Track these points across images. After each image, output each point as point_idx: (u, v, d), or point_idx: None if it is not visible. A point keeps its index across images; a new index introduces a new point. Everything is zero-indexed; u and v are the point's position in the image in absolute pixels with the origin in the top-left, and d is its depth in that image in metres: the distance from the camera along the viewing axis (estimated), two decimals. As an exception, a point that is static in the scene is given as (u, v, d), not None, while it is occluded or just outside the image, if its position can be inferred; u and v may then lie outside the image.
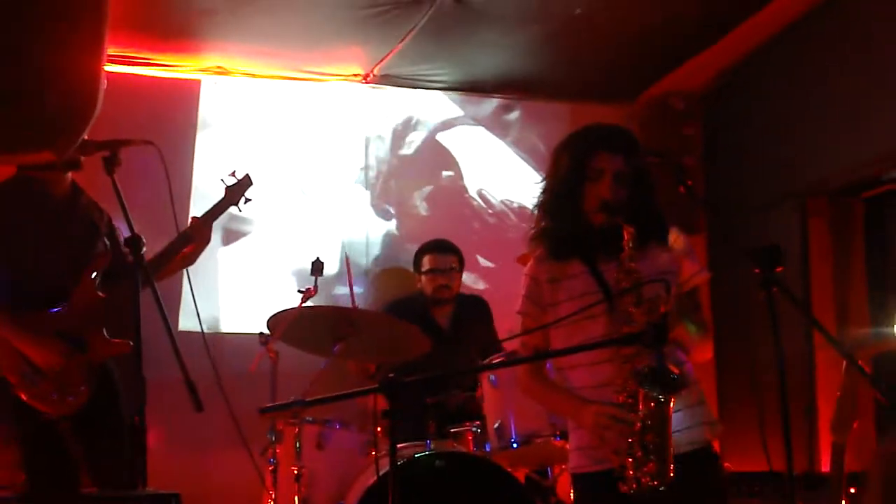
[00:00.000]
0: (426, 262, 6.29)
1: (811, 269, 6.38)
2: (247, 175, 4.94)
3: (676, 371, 3.14)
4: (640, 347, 3.18)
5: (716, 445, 3.62)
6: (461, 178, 7.56)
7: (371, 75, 7.17)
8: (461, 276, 6.40)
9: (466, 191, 7.53)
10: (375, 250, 7.25)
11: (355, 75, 7.19)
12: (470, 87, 7.48)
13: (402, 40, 6.61)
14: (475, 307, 6.37)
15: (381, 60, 6.94)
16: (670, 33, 6.62)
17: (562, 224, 3.52)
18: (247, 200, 4.95)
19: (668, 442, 3.19)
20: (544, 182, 3.64)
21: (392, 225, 7.36)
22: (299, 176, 7.10)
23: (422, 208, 7.45)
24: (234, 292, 6.83)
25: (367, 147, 7.31)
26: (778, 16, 6.39)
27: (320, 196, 7.14)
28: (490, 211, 7.54)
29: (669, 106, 7.31)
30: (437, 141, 7.54)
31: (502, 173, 7.59)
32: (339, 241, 7.10)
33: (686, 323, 3.45)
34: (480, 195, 7.56)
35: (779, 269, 3.16)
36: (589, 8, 6.27)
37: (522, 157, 7.60)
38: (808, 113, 6.36)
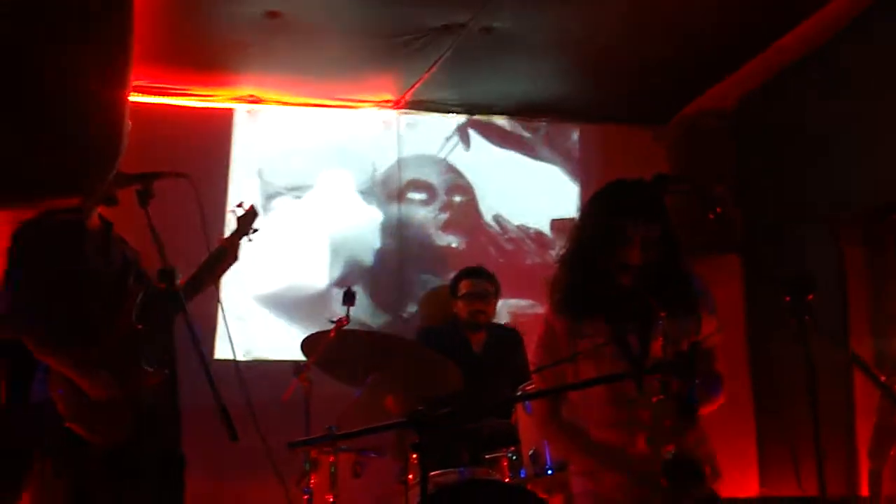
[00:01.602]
0: (463, 287, 6.31)
1: (848, 286, 6.33)
2: (252, 206, 5.00)
3: (705, 467, 3.14)
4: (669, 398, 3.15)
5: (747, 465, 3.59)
6: (475, 202, 7.67)
7: (402, 101, 7.20)
8: (496, 303, 6.40)
9: (482, 216, 7.63)
10: (407, 275, 7.29)
11: (386, 101, 7.22)
12: (500, 112, 7.51)
13: (432, 67, 6.65)
14: (509, 337, 6.37)
15: (412, 87, 6.98)
16: (702, 54, 6.60)
17: (585, 282, 3.48)
18: (254, 231, 4.99)
19: None
20: (570, 238, 3.62)
21: (422, 248, 7.44)
22: (330, 201, 7.12)
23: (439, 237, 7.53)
24: (268, 320, 6.86)
25: (399, 171, 7.32)
26: (810, 35, 6.36)
27: (352, 221, 7.16)
28: (506, 237, 7.62)
29: (701, 126, 7.28)
30: (457, 167, 7.64)
31: (521, 197, 7.65)
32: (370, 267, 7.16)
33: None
34: (497, 220, 7.65)
35: (810, 297, 3.14)
36: (617, 33, 6.27)
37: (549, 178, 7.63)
38: (841, 131, 6.32)
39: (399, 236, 7.41)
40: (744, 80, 6.98)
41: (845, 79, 6.30)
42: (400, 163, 7.40)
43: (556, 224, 7.62)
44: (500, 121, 7.60)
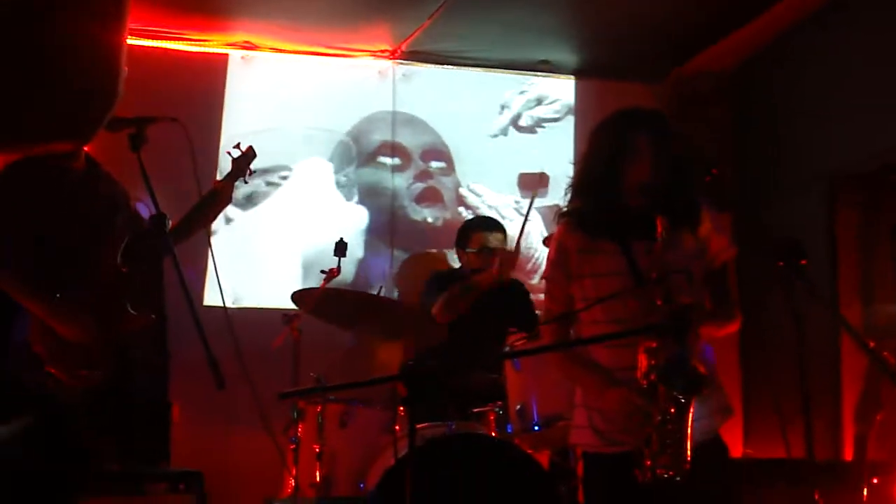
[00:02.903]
0: (474, 241, 6.01)
1: (838, 251, 6.33)
2: (250, 147, 4.93)
3: (702, 370, 3.14)
4: (662, 341, 3.17)
5: (732, 427, 3.60)
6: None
7: (399, 51, 7.16)
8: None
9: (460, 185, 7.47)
10: (399, 227, 7.23)
11: (383, 51, 7.18)
12: (497, 65, 7.45)
13: (431, 17, 6.59)
14: (510, 288, 6.04)
15: (409, 37, 6.93)
16: (700, 13, 6.57)
17: (597, 203, 3.48)
18: (251, 173, 4.93)
19: (686, 436, 3.19)
20: (580, 162, 3.61)
21: (416, 205, 7.34)
22: (323, 151, 7.09)
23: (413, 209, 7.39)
24: (259, 267, 6.84)
25: (393, 124, 7.28)
26: (809, -2, 6.34)
27: (345, 171, 7.14)
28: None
29: (698, 88, 7.26)
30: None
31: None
32: (364, 219, 7.11)
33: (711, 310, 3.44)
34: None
35: (802, 262, 3.13)
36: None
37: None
38: (837, 96, 6.30)
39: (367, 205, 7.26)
40: (743, 42, 6.95)
41: (845, 42, 6.27)
42: (371, 119, 7.31)
43: (524, 178, 7.49)
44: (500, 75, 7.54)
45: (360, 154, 7.28)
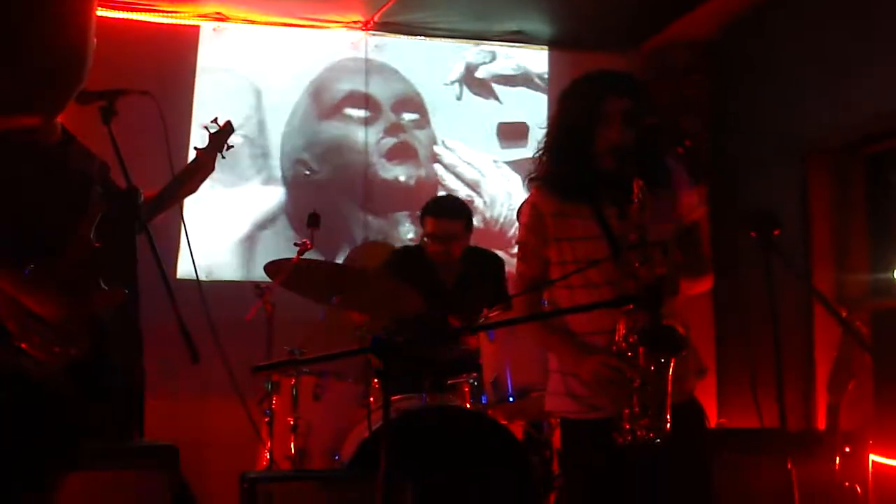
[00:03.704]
0: (427, 225, 5.90)
1: (812, 223, 6.35)
2: (228, 122, 4.88)
3: (681, 330, 3.15)
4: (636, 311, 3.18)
5: (704, 397, 3.62)
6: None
7: (371, 22, 7.11)
8: (468, 238, 5.98)
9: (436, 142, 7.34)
10: (373, 201, 7.19)
11: (355, 22, 7.13)
12: (470, 36, 7.42)
13: (404, -13, 6.56)
14: (485, 264, 6.04)
15: (382, 7, 6.88)
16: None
17: (569, 167, 3.48)
18: (228, 147, 4.89)
19: (667, 397, 3.21)
20: (551, 125, 3.62)
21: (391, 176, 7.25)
22: (297, 122, 7.05)
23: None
24: (231, 240, 6.82)
25: (316, 85, 7.21)
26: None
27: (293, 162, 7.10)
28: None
29: (672, 58, 7.25)
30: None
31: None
32: (337, 192, 7.07)
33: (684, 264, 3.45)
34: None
35: (776, 233, 3.14)
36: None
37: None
38: (811, 68, 6.31)
39: (331, 163, 7.13)
40: (718, 12, 6.93)
41: (822, 14, 6.27)
42: (335, 68, 7.18)
43: (504, 128, 7.43)
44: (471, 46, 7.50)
45: (322, 106, 7.16)
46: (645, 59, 7.34)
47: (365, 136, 7.14)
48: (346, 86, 7.19)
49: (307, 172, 7.04)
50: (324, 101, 7.16)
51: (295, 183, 7.04)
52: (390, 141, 7.24)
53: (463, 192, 7.20)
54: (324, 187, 7.05)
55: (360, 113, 7.19)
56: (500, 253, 6.22)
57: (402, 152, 7.25)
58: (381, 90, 7.26)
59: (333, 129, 7.15)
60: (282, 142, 7.04)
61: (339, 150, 7.13)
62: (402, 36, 7.28)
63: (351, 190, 7.05)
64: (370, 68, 7.22)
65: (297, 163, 7.06)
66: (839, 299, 5.96)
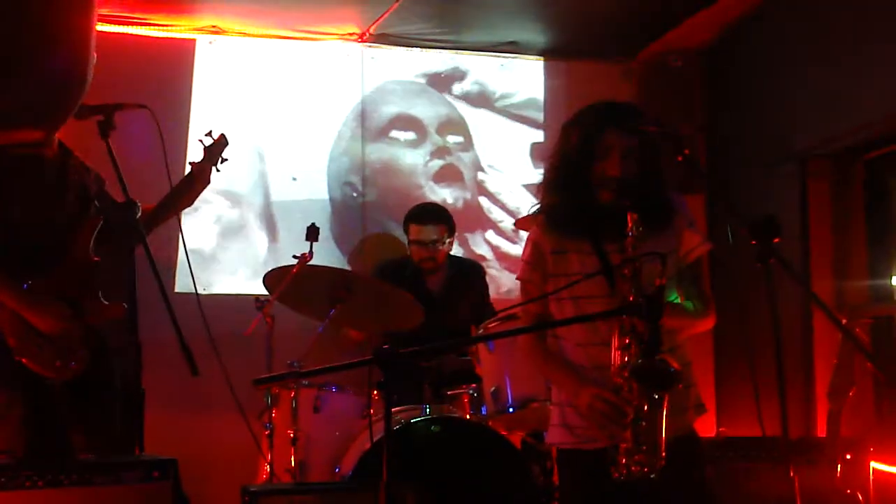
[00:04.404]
0: (411, 232, 6.20)
1: (811, 230, 6.36)
2: (222, 135, 4.90)
3: (675, 366, 3.15)
4: (635, 339, 3.20)
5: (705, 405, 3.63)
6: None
7: (367, 34, 7.11)
8: (452, 244, 6.26)
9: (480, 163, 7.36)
10: (369, 212, 7.17)
11: (351, 34, 7.13)
12: (466, 47, 7.41)
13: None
14: (469, 272, 6.31)
15: (378, 20, 6.88)
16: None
17: (568, 200, 3.49)
18: (223, 160, 4.90)
19: (660, 433, 3.21)
20: (550, 158, 3.63)
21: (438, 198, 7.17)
22: (294, 136, 7.05)
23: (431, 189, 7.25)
24: (230, 254, 6.81)
25: (362, 107, 7.24)
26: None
27: (315, 158, 7.10)
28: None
29: (669, 65, 7.25)
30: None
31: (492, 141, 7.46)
32: (331, 204, 7.08)
33: (684, 305, 3.46)
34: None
35: (776, 241, 3.14)
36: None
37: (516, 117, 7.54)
38: (809, 73, 6.31)
39: (376, 183, 7.17)
40: (714, 20, 6.93)
41: (819, 19, 6.28)
42: (363, 98, 7.24)
43: (537, 148, 7.41)
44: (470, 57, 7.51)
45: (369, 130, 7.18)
46: (641, 68, 7.35)
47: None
48: (392, 108, 7.22)
49: (354, 195, 7.07)
50: (371, 124, 7.18)
51: (343, 205, 7.07)
52: (438, 163, 7.25)
53: (506, 217, 7.28)
54: (371, 209, 7.11)
55: (407, 135, 7.23)
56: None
57: (449, 175, 7.26)
58: (424, 112, 7.29)
59: (381, 151, 7.17)
60: (328, 164, 7.07)
61: (386, 173, 7.16)
62: (398, 48, 7.27)
63: (398, 211, 6.86)
64: (415, 90, 7.26)
65: (345, 185, 7.09)
66: (838, 306, 5.96)
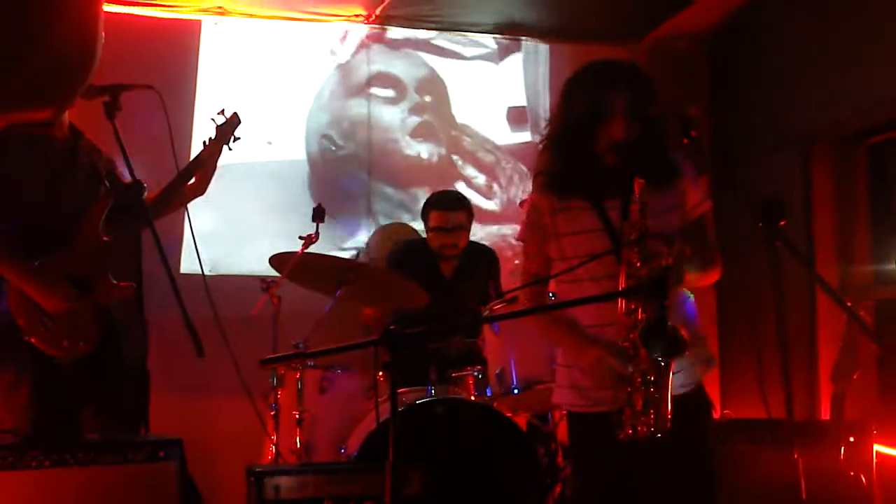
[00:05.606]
0: (432, 219, 6.08)
1: (814, 213, 6.36)
2: (235, 114, 4.88)
3: (682, 331, 3.14)
4: (641, 303, 3.18)
5: (709, 388, 3.62)
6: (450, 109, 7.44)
7: (373, 15, 7.11)
8: (469, 232, 6.18)
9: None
10: (374, 191, 7.20)
11: (357, 15, 7.12)
12: (472, 28, 7.41)
13: (405, -20, 6.56)
14: (481, 258, 6.24)
15: (385, 1, 6.88)
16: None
17: (571, 161, 3.46)
18: (235, 139, 4.88)
19: (667, 395, 3.20)
20: (553, 119, 3.59)
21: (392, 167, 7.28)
22: (297, 117, 7.05)
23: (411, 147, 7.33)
24: (235, 234, 6.81)
25: (368, 86, 7.24)
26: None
27: (318, 137, 7.11)
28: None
29: (674, 49, 7.24)
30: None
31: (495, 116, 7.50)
32: (340, 184, 7.08)
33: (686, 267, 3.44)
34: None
35: (782, 223, 3.14)
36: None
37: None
38: (813, 59, 6.30)
39: (362, 140, 7.21)
40: (722, 3, 6.91)
41: (824, 3, 6.27)
42: (369, 77, 7.25)
43: (513, 112, 7.47)
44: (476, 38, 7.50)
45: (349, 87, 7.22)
46: (647, 51, 7.33)
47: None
48: (373, 67, 7.27)
49: (332, 148, 7.14)
50: (351, 81, 7.23)
51: (321, 159, 7.14)
52: (415, 120, 7.32)
53: (479, 174, 7.38)
54: (348, 161, 7.18)
55: (387, 92, 7.28)
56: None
57: (425, 131, 7.33)
58: (405, 72, 7.35)
59: (360, 106, 7.23)
60: (307, 119, 7.11)
61: (364, 127, 7.21)
62: (404, 29, 7.26)
63: (375, 165, 7.12)
64: (394, 51, 7.31)
65: (322, 138, 7.14)
66: (842, 289, 5.97)
